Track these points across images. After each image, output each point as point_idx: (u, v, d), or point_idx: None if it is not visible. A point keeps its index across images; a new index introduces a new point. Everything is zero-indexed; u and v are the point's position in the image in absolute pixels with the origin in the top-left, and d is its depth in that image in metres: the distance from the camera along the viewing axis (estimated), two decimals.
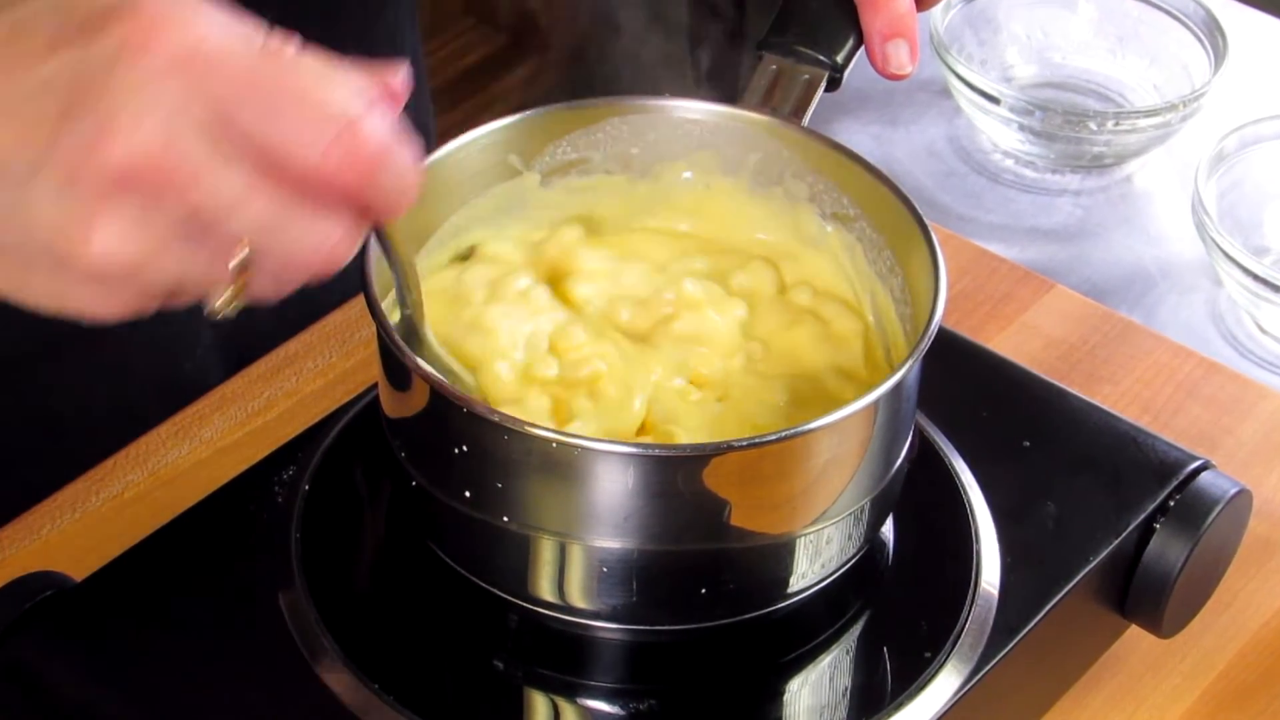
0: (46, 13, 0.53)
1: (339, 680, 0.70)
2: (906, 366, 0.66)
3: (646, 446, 0.66)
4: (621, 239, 0.78)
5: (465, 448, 0.65)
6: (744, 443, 0.65)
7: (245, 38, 0.52)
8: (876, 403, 0.66)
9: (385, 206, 0.55)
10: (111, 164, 0.50)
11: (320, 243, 0.54)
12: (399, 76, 0.56)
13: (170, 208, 0.52)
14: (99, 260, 0.52)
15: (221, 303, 0.55)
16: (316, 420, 0.80)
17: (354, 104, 0.52)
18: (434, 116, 1.10)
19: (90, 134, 0.50)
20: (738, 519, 0.66)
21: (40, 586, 0.73)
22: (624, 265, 0.76)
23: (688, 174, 0.78)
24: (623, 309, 0.74)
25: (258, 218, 0.52)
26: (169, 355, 0.95)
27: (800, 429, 0.64)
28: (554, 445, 0.63)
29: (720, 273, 0.76)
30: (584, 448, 0.63)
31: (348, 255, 0.56)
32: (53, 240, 0.52)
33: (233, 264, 0.54)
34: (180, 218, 0.52)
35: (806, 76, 0.77)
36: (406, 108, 1.07)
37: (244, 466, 0.79)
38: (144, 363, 0.94)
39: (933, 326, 0.67)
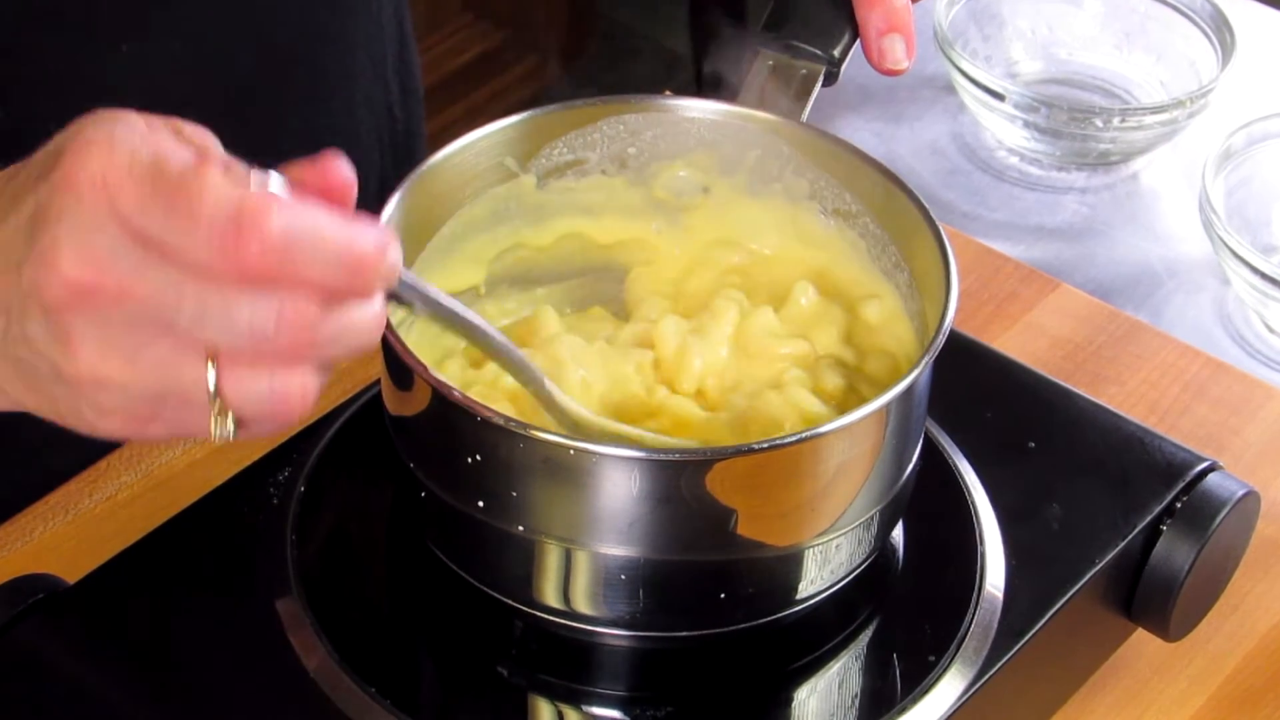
0: (20, 168, 0.59)
1: (336, 684, 0.69)
2: (918, 369, 0.65)
3: (660, 451, 0.65)
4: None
5: (479, 456, 0.64)
6: (763, 445, 0.63)
7: (148, 161, 0.56)
8: (888, 406, 0.65)
9: (328, 283, 0.57)
10: (56, 289, 0.56)
11: (269, 322, 0.57)
12: (338, 170, 0.58)
13: (123, 315, 0.57)
14: (88, 371, 0.57)
15: (217, 429, 0.58)
16: (312, 421, 0.79)
17: (237, 200, 0.55)
18: (423, 121, 1.09)
19: (37, 266, 0.57)
20: (748, 525, 0.65)
21: (33, 589, 0.73)
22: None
23: (683, 173, 0.77)
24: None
25: (200, 311, 0.56)
26: None
27: (811, 433, 0.64)
28: (570, 452, 0.62)
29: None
30: (600, 454, 0.63)
31: (315, 344, 0.59)
32: (55, 362, 0.58)
33: (210, 376, 0.57)
34: (136, 322, 0.57)
35: (804, 71, 0.77)
36: (399, 108, 1.05)
37: (239, 468, 0.78)
38: None
39: (945, 327, 0.66)
